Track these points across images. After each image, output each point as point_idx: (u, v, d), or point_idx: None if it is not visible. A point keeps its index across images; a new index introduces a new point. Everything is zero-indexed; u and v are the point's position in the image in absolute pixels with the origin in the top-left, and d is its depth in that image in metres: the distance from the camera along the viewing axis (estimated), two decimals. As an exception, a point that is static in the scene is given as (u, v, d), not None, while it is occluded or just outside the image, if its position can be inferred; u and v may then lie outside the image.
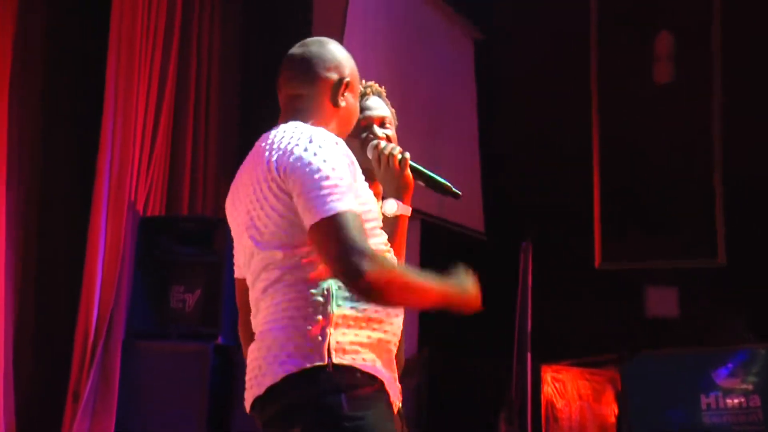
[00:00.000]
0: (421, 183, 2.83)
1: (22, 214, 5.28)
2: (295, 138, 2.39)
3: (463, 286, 2.45)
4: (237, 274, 2.62)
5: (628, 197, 7.99)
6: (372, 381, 2.36)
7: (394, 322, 2.47)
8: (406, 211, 2.75)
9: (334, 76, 2.56)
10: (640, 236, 7.87)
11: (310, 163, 2.31)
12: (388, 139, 2.84)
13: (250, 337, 2.49)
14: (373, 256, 2.22)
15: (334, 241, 2.23)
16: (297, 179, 2.31)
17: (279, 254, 2.37)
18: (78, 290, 5.34)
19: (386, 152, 2.74)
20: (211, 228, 5.36)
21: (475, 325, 7.86)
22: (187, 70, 6.15)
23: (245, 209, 2.45)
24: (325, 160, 2.32)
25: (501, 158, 8.35)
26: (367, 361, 2.36)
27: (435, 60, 7.92)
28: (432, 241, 7.67)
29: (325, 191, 2.28)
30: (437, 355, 7.14)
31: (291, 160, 2.34)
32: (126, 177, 5.49)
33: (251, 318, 2.50)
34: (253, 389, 2.40)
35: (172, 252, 5.45)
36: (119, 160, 5.48)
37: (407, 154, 2.77)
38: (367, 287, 2.20)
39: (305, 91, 2.55)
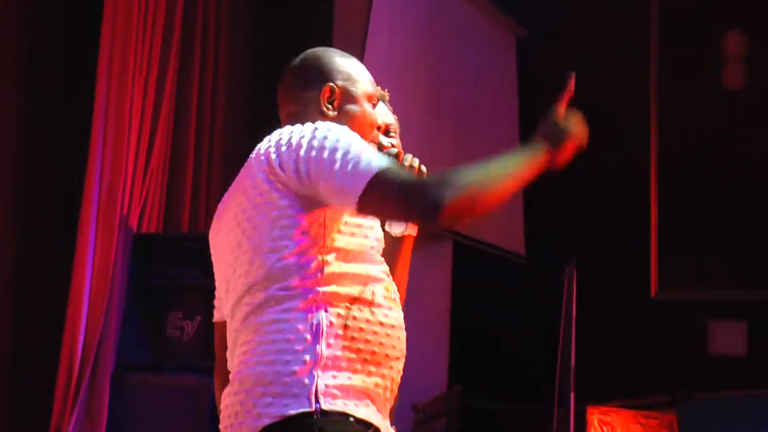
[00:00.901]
0: None
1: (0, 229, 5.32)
2: (295, 129, 2.41)
3: (555, 133, 2.47)
4: (217, 317, 2.62)
5: (689, 216, 7.94)
6: (366, 429, 2.32)
7: (393, 366, 2.43)
8: (413, 230, 2.75)
9: (319, 86, 2.58)
10: (703, 261, 7.83)
11: (324, 138, 2.32)
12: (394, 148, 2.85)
13: (226, 380, 2.48)
14: (435, 184, 2.25)
15: (391, 195, 2.25)
16: (316, 166, 2.31)
17: (263, 270, 2.35)
18: (62, 316, 5.34)
19: (407, 164, 2.75)
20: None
21: (511, 361, 7.88)
22: (190, 70, 6.17)
23: (233, 216, 2.44)
24: (330, 129, 2.34)
25: (546, 172, 8.33)
26: (359, 407, 2.32)
27: (472, 59, 7.94)
28: (465, 265, 7.67)
29: (352, 160, 2.28)
30: (468, 394, 7.12)
31: (293, 143, 2.35)
32: (118, 189, 5.50)
33: (227, 354, 2.48)
34: None
35: (170, 274, 5.46)
36: (110, 170, 5.49)
37: (424, 168, 2.77)
38: (454, 215, 2.23)
39: (294, 108, 2.59)
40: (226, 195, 2.55)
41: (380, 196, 2.26)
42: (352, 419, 2.30)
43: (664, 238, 7.92)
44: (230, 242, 2.45)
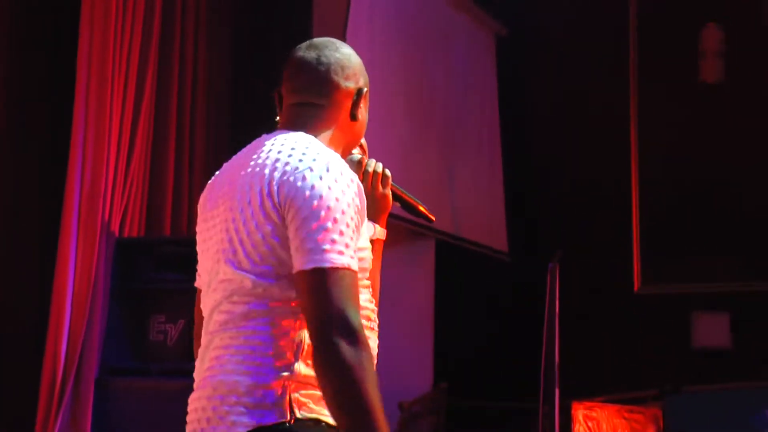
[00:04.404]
0: (396, 204, 2.85)
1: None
2: (307, 158, 2.33)
3: None
4: (198, 283, 2.57)
5: (671, 211, 7.96)
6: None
7: None
8: (383, 234, 2.75)
9: (353, 86, 2.53)
10: (686, 255, 7.85)
11: (321, 197, 2.26)
12: (363, 149, 2.84)
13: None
14: (357, 335, 2.19)
15: (323, 299, 2.21)
16: (300, 210, 2.27)
17: (248, 282, 2.32)
18: (45, 321, 5.33)
19: (370, 170, 2.73)
20: (196, 251, 5.34)
21: (497, 358, 7.89)
22: (169, 74, 6.16)
23: (223, 217, 2.41)
24: (337, 199, 2.28)
25: (526, 168, 8.35)
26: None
27: (452, 58, 7.94)
28: (448, 264, 7.67)
29: (329, 237, 2.24)
30: (454, 392, 7.12)
31: (298, 184, 2.28)
32: (99, 193, 5.49)
33: (199, 351, 2.46)
34: None
35: (152, 278, 5.44)
36: (91, 174, 5.48)
37: (388, 172, 2.76)
38: (332, 363, 2.17)
39: (319, 101, 2.50)
40: (225, 169, 2.50)
41: (314, 289, 2.22)
42: (324, 424, 2.30)
43: (645, 232, 7.94)
44: (220, 237, 2.42)
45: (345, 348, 2.17)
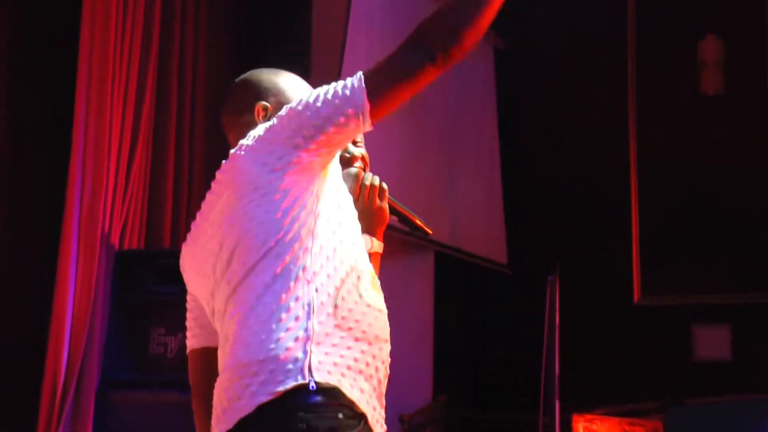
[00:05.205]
0: (393, 217, 2.87)
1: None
2: (259, 128, 2.49)
3: None
4: (193, 344, 2.64)
5: (671, 222, 7.97)
6: (354, 421, 2.35)
7: (383, 348, 2.49)
8: (380, 248, 2.78)
9: (251, 107, 2.65)
10: (686, 267, 7.85)
11: (288, 113, 2.40)
12: (363, 159, 2.86)
13: (209, 413, 2.47)
14: (429, 25, 2.38)
15: (393, 65, 2.39)
16: (311, 117, 2.37)
17: (256, 255, 2.39)
18: (45, 335, 5.33)
19: (367, 183, 2.78)
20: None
21: (497, 370, 7.88)
22: (169, 84, 6.18)
23: (211, 244, 2.48)
24: (302, 97, 2.42)
25: (525, 180, 8.36)
26: (353, 389, 2.37)
27: (450, 71, 7.93)
28: (447, 276, 7.68)
29: (334, 90, 2.37)
30: (454, 404, 7.12)
31: (292, 115, 2.40)
32: (99, 206, 5.49)
33: (219, 352, 2.49)
34: (220, 425, 2.39)
35: (152, 290, 5.43)
36: (91, 186, 5.48)
37: (385, 185, 2.80)
38: (448, 60, 2.41)
39: (234, 136, 2.67)
40: (193, 228, 2.58)
41: (383, 82, 2.36)
42: (341, 415, 2.33)
43: (645, 243, 7.95)
44: (212, 248, 2.48)
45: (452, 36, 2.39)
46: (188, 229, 2.59)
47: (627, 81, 8.19)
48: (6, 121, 5.51)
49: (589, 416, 6.40)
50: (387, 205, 2.81)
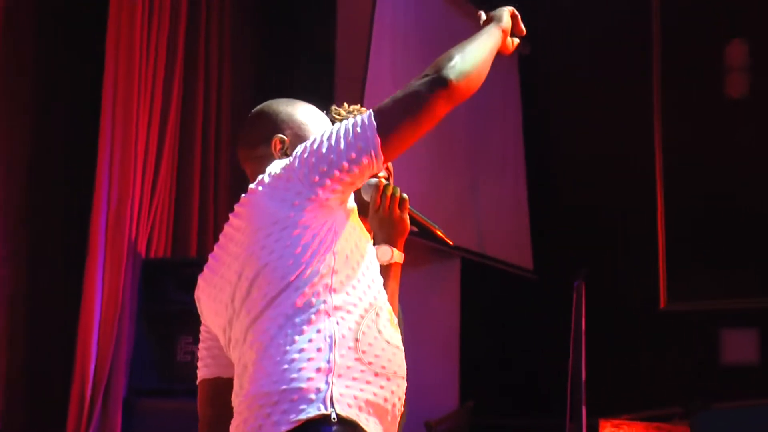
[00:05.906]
0: (413, 228, 2.88)
1: (8, 258, 5.33)
2: (276, 165, 2.50)
3: (498, 14, 2.70)
4: (204, 374, 2.64)
5: (697, 227, 7.94)
6: None
7: (400, 385, 2.50)
8: (400, 258, 2.79)
9: (268, 140, 2.64)
10: (712, 271, 7.81)
11: (303, 151, 2.43)
12: (387, 169, 2.88)
13: None
14: (433, 73, 2.43)
15: (401, 106, 2.41)
16: (326, 160, 2.39)
17: (277, 287, 2.40)
18: (73, 343, 5.37)
19: (388, 194, 2.78)
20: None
21: (522, 376, 7.88)
22: (194, 94, 6.21)
23: (229, 274, 2.49)
24: (315, 136, 2.47)
25: (551, 186, 8.35)
26: (369, 422, 2.38)
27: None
28: (474, 281, 7.68)
29: (345, 130, 2.41)
30: (481, 410, 7.12)
31: (308, 158, 2.42)
32: (125, 214, 5.53)
33: (235, 381, 2.48)
34: None
35: (179, 299, 5.45)
36: (117, 195, 5.51)
37: (406, 196, 2.81)
38: (456, 89, 2.42)
39: (251, 169, 2.65)
40: (211, 260, 2.58)
41: (393, 116, 2.40)
42: (359, 428, 2.35)
43: (671, 248, 7.92)
44: (230, 278, 2.49)
45: (450, 78, 2.44)
46: (216, 238, 2.60)
47: (652, 86, 8.16)
48: (34, 132, 5.55)
49: (615, 421, 6.38)
50: (408, 216, 2.82)
